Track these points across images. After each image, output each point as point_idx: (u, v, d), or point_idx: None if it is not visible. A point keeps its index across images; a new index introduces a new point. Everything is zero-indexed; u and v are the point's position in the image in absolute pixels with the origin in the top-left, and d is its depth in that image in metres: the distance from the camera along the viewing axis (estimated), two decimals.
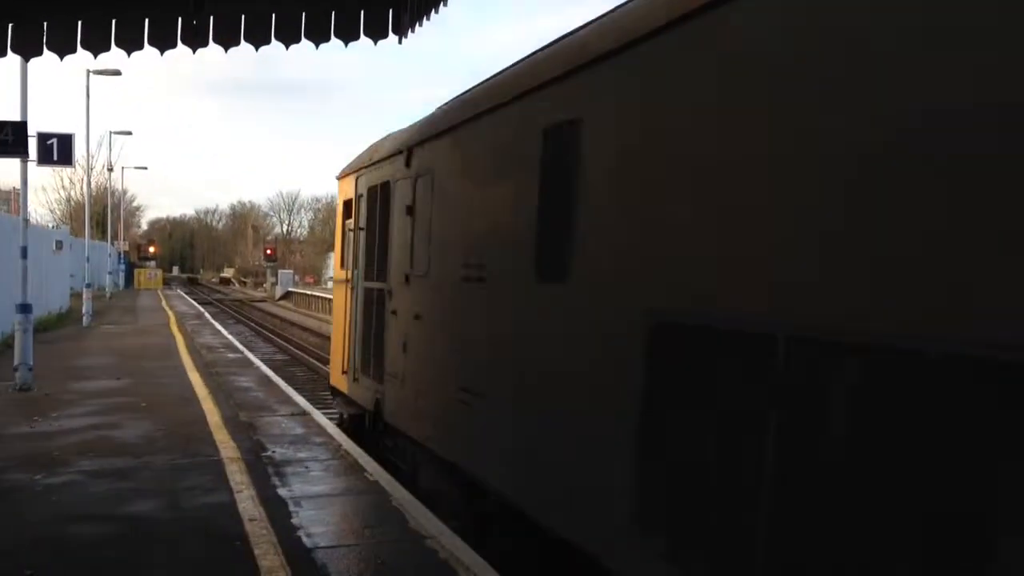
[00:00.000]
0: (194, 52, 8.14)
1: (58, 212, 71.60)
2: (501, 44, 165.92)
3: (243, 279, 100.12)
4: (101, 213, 57.40)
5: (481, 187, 6.78)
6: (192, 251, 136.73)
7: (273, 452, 9.21)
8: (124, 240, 65.20)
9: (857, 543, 3.01)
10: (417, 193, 8.29)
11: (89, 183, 40.14)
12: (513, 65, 6.71)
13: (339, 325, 11.61)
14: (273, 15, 8.12)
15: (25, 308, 13.94)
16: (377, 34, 8.38)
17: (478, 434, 6.59)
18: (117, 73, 30.48)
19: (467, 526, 6.82)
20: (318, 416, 11.59)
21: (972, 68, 2.74)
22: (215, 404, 12.32)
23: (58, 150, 14.81)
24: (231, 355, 19.83)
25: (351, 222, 11.10)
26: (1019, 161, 2.57)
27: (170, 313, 35.37)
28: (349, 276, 11.07)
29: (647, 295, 4.36)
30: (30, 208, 15.10)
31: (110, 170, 49.88)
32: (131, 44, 7.87)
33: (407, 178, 8.63)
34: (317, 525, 6.65)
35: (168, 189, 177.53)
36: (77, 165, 43.82)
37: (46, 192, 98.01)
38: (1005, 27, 2.65)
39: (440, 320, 7.57)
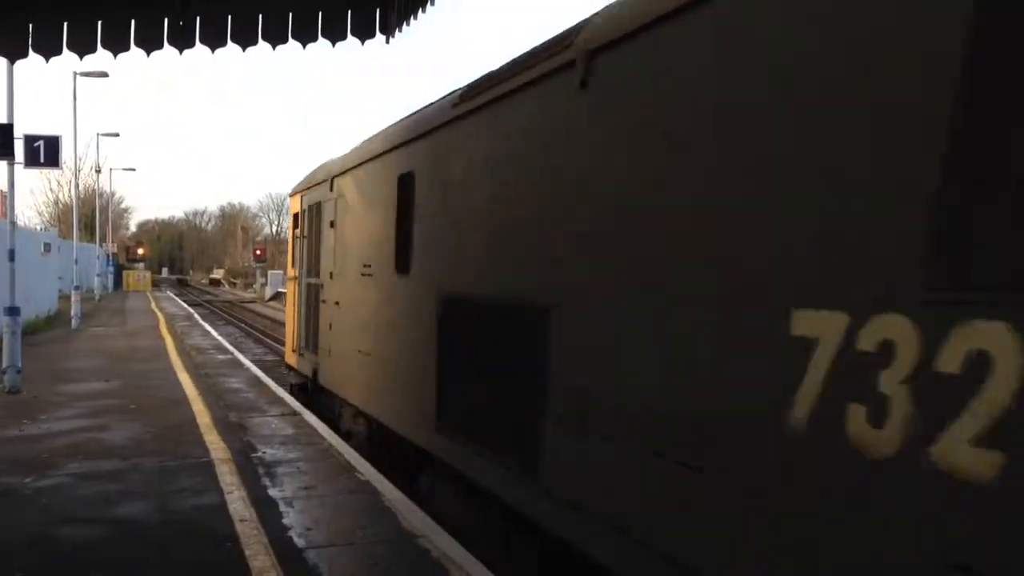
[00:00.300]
0: (180, 53, 8.13)
1: (46, 214, 71.37)
2: (506, 31, 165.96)
3: (233, 280, 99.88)
4: (89, 215, 57.20)
5: (369, 211, 9.40)
6: (181, 252, 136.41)
7: (264, 453, 9.20)
8: (113, 242, 64.98)
9: (503, 401, 5.80)
10: (337, 212, 10.88)
11: (77, 185, 39.95)
12: (386, 129, 9.35)
13: (290, 314, 14.69)
14: (260, 16, 8.12)
15: (13, 311, 13.88)
16: (365, 34, 8.39)
17: (367, 383, 9.38)
18: (104, 75, 30.37)
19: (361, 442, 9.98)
20: (309, 416, 11.57)
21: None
22: (205, 405, 12.30)
23: (45, 152, 14.75)
24: (221, 356, 19.79)
25: (298, 231, 13.45)
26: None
27: (159, 315, 35.26)
28: (296, 275, 13.75)
29: (439, 281, 7.10)
30: (17, 210, 15.02)
31: (98, 172, 49.73)
32: (117, 45, 7.86)
33: (331, 200, 11.21)
34: (309, 525, 6.65)
35: (157, 191, 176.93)
36: (64, 167, 43.68)
37: (34, 195, 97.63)
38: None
39: (350, 305, 10.17)
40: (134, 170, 62.06)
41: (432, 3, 7.38)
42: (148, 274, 73.95)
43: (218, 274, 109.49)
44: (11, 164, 14.13)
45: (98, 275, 50.48)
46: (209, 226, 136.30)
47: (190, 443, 9.69)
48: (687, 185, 3.90)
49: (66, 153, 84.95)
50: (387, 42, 8.50)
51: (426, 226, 7.46)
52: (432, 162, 7.39)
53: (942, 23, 2.74)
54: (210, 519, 6.81)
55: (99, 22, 7.80)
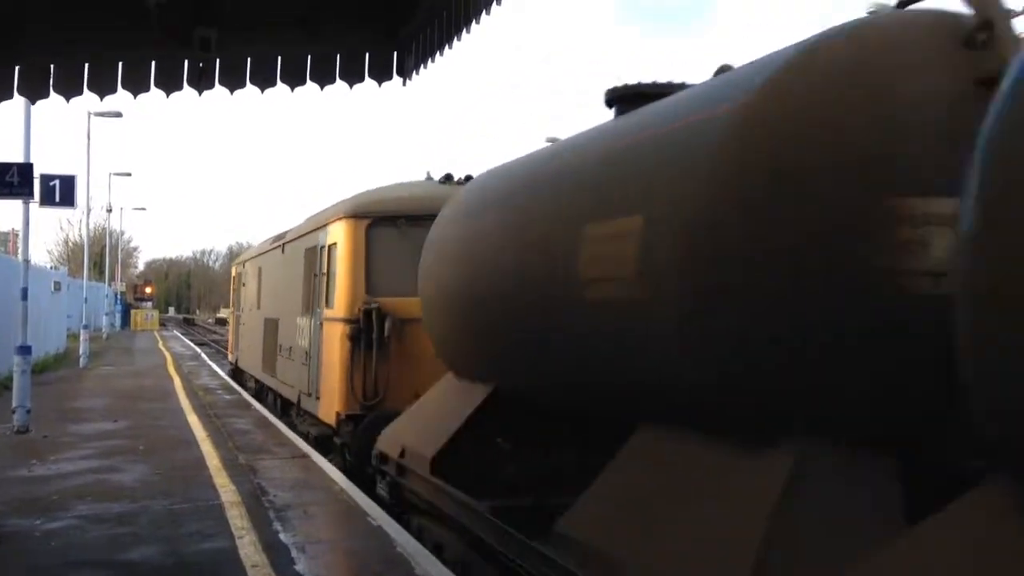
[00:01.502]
0: (200, 94, 8.15)
1: (55, 253, 71.67)
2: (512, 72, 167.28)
3: None
4: (99, 254, 57.44)
5: (251, 281, 20.93)
6: (189, 291, 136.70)
7: (274, 496, 9.10)
8: (121, 281, 65.15)
9: (271, 353, 17.16)
10: (243, 279, 22.67)
11: (88, 225, 40.14)
12: (258, 245, 23.49)
13: (231, 333, 26.92)
14: (279, 58, 8.14)
15: (24, 349, 13.85)
16: (382, 76, 8.41)
17: (252, 363, 20.31)
18: (118, 115, 30.61)
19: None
20: (318, 458, 11.47)
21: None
22: (214, 447, 12.21)
23: (60, 192, 14.82)
24: (229, 396, 19.72)
25: (233, 286, 26.20)
26: None
27: (167, 354, 35.21)
28: (234, 310, 25.94)
29: (265, 311, 18.21)
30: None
31: (109, 211, 49.99)
32: (137, 86, 7.88)
33: (240, 273, 23.82)
34: (321, 572, 6.54)
35: (166, 229, 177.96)
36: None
37: (44, 234, 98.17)
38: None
39: (247, 325, 21.38)
40: (144, 209, 62.36)
41: (450, 47, 7.40)
42: (156, 313, 74.05)
43: (225, 313, 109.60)
44: (26, 203, 14.20)
45: (106, 314, 50.56)
46: (217, 265, 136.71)
47: (200, 485, 9.59)
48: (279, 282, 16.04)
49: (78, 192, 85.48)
50: (404, 84, 8.52)
51: (263, 290, 18.95)
52: (263, 263, 19.18)
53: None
54: (221, 564, 6.71)
55: (120, 63, 7.84)
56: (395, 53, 8.30)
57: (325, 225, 12.84)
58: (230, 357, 26.25)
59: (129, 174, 46.06)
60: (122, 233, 68.08)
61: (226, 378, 24.59)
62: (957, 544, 3.17)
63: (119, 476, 10.09)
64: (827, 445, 4.06)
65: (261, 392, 19.11)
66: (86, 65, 7.74)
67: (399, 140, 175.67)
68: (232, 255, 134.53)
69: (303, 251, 14.26)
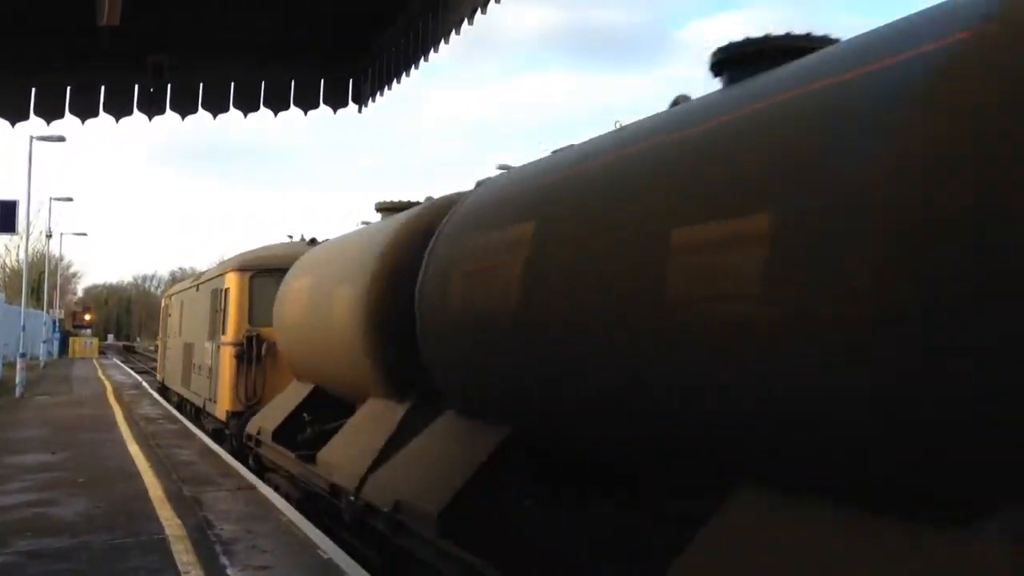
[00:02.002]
0: (151, 119, 8.04)
1: None
2: (446, 108, 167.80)
3: None
4: (37, 280, 56.13)
5: (174, 313, 26.23)
6: (129, 317, 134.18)
7: (221, 529, 8.88)
8: (60, 308, 63.70)
9: (184, 368, 22.62)
10: (169, 310, 28.20)
11: (27, 250, 39.25)
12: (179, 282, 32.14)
13: (159, 356, 32.83)
14: (232, 83, 8.08)
15: None
16: (337, 103, 8.38)
17: (174, 378, 24.69)
18: (61, 139, 30.08)
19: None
20: (265, 489, 11.25)
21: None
22: (157, 478, 11.91)
23: (2, 217, 14.47)
24: (171, 426, 19.29)
25: (164, 315, 30.80)
26: None
27: (107, 383, 34.43)
28: (162, 336, 31.19)
29: (184, 337, 22.68)
30: None
31: (48, 237, 48.93)
32: (86, 111, 7.74)
33: (167, 305, 29.49)
34: None
35: (107, 255, 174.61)
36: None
37: None
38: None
39: (173, 349, 25.86)
40: (85, 235, 61.26)
41: (407, 75, 7.39)
42: (95, 341, 72.46)
43: None
44: None
45: (44, 342, 49.34)
46: (158, 291, 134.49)
47: (143, 518, 9.34)
48: (194, 314, 21.09)
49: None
50: (359, 111, 8.50)
51: (183, 320, 23.42)
52: (184, 298, 23.91)
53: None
54: None
55: (68, 88, 7.69)
56: (351, 80, 8.29)
57: (222, 274, 17.79)
58: (158, 376, 31.78)
59: (70, 199, 45.28)
60: (61, 259, 66.70)
61: (168, 407, 24.09)
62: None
63: (59, 510, 9.79)
64: None
65: (182, 404, 23.28)
66: (33, 90, 7.58)
67: (343, 167, 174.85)
68: (174, 281, 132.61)
69: (210, 291, 18.92)
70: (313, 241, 16.58)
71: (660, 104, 5.98)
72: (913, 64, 3.37)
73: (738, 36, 5.02)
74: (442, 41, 6.47)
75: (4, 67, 7.44)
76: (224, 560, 7.69)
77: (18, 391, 27.33)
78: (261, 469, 12.99)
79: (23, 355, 29.50)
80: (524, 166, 7.51)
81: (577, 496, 5.95)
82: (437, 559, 6.34)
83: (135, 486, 11.34)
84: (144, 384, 34.58)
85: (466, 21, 5.82)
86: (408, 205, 10.71)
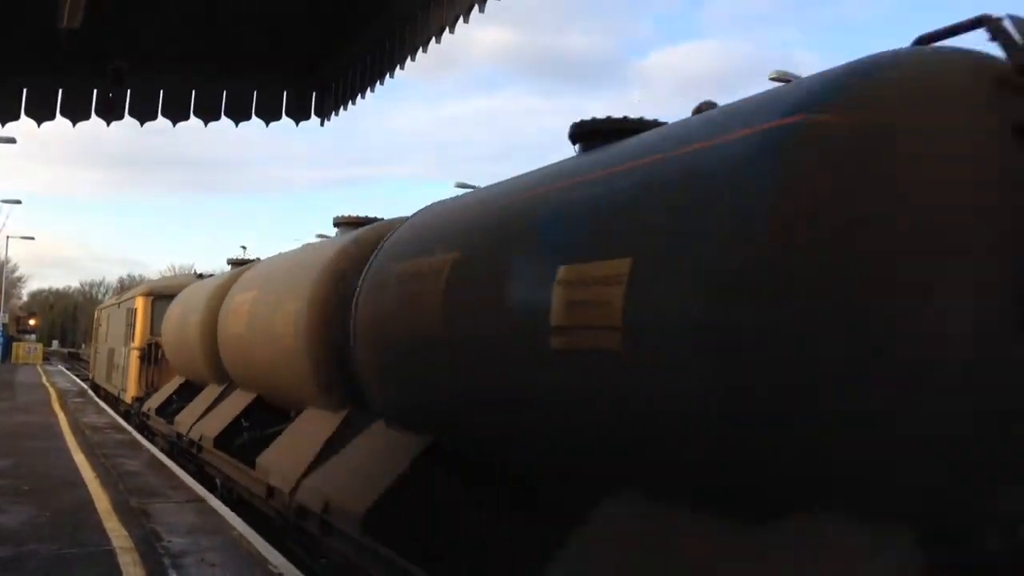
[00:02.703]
0: (108, 124, 7.97)
1: None
2: (397, 127, 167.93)
3: None
4: None
5: (102, 324, 33.66)
6: (75, 324, 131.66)
7: (169, 542, 8.75)
8: (4, 312, 62.38)
9: (111, 364, 28.91)
10: (103, 320, 33.86)
11: None
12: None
13: (92, 360, 41.09)
14: (193, 92, 8.03)
15: None
16: (299, 115, 8.38)
17: (105, 377, 29.90)
18: (12, 141, 29.54)
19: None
20: (214, 502, 11.10)
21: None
22: (103, 488, 11.70)
23: None
24: (119, 436, 18.96)
25: (95, 325, 38.64)
26: None
27: (51, 390, 33.72)
28: (94, 343, 39.61)
29: (109, 344, 29.61)
30: None
31: None
32: (42, 114, 7.66)
33: (98, 317, 37.42)
34: None
35: (56, 260, 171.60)
36: None
37: None
38: None
39: (101, 353, 32.89)
40: (33, 239, 60.09)
41: (372, 90, 7.42)
42: (39, 346, 70.96)
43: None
44: None
45: None
46: (106, 297, 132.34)
47: (89, 529, 9.17)
48: (115, 326, 29.15)
49: None
50: (322, 124, 8.51)
51: (109, 330, 30.05)
52: (110, 313, 31.08)
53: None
54: None
55: (24, 90, 7.59)
56: (314, 94, 8.29)
57: (133, 297, 25.20)
58: (91, 375, 38.84)
59: (19, 201, 44.44)
60: (7, 262, 65.34)
61: (115, 416, 23.68)
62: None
63: (2, 518, 9.57)
64: None
65: (108, 397, 28.68)
66: None
67: (294, 180, 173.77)
68: (122, 288, 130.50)
69: (126, 309, 26.00)
70: (200, 275, 22.25)
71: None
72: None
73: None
74: (408, 59, 6.51)
75: None
76: (172, 573, 7.59)
77: None
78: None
79: None
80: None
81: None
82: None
83: (81, 496, 11.14)
84: (89, 392, 33.98)
85: (434, 40, 5.87)
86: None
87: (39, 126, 7.67)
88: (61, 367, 60.15)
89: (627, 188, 4.94)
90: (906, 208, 3.53)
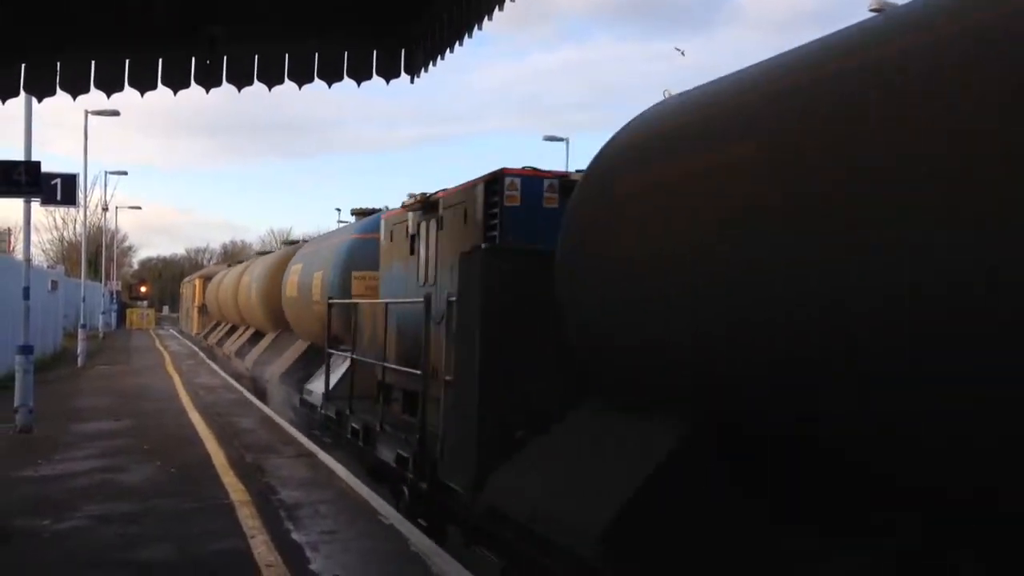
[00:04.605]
0: (207, 92, 8.11)
1: (51, 252, 71.41)
2: (493, 81, 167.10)
3: None
4: (94, 253, 57.28)
5: (184, 291, 62.83)
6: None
7: (284, 495, 9.07)
8: (116, 280, 64.97)
9: None
10: (186, 290, 61.77)
11: (85, 223, 40.02)
12: None
13: (182, 316, 66.35)
14: (286, 55, 8.11)
15: (26, 349, 13.79)
16: (390, 73, 8.37)
17: (183, 325, 59.08)
18: (116, 114, 30.40)
19: None
20: (324, 457, 11.44)
21: None
22: (219, 445, 12.16)
23: (62, 190, 14.76)
24: (230, 396, 19.67)
25: (183, 293, 70.82)
26: None
27: (164, 353, 35.15)
28: (181, 305, 73.20)
29: (184, 304, 61.92)
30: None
31: (104, 210, 49.84)
32: (145, 84, 7.84)
33: (185, 286, 64.18)
34: (337, 571, 6.51)
35: (161, 227, 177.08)
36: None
37: (38, 232, 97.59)
38: None
39: (184, 310, 62.82)
40: (139, 208, 62.22)
41: (461, 44, 7.37)
42: (151, 312, 73.87)
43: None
44: (28, 202, 14.12)
45: (102, 313, 50.42)
46: (212, 263, 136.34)
47: (208, 484, 9.56)
48: (187, 296, 55.77)
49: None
50: (412, 81, 8.50)
51: (184, 297, 62.46)
52: (183, 287, 61.33)
53: None
54: (235, 564, 6.69)
55: (127, 61, 7.79)
56: (403, 50, 8.28)
57: (193, 280, 55.15)
58: (181, 325, 56.89)
59: (125, 172, 46.12)
60: (117, 231, 67.90)
61: (227, 377, 24.55)
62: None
63: (126, 476, 10.06)
64: None
65: (184, 333, 48.91)
66: (92, 63, 7.69)
67: (385, 138, 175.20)
68: (226, 254, 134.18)
69: (191, 285, 53.05)
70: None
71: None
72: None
73: None
74: (496, 8, 6.43)
75: (64, 41, 7.57)
76: (288, 524, 7.86)
77: (80, 361, 28.01)
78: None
79: (84, 326, 30.18)
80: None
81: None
82: None
83: (198, 453, 11.60)
84: (201, 354, 35.25)
85: None
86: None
87: (142, 95, 7.85)
88: (173, 332, 62.53)
89: None
90: None
